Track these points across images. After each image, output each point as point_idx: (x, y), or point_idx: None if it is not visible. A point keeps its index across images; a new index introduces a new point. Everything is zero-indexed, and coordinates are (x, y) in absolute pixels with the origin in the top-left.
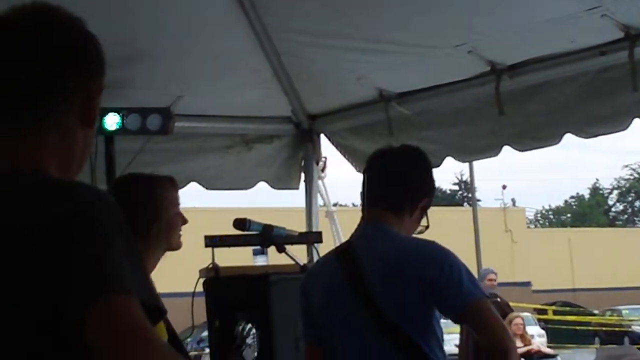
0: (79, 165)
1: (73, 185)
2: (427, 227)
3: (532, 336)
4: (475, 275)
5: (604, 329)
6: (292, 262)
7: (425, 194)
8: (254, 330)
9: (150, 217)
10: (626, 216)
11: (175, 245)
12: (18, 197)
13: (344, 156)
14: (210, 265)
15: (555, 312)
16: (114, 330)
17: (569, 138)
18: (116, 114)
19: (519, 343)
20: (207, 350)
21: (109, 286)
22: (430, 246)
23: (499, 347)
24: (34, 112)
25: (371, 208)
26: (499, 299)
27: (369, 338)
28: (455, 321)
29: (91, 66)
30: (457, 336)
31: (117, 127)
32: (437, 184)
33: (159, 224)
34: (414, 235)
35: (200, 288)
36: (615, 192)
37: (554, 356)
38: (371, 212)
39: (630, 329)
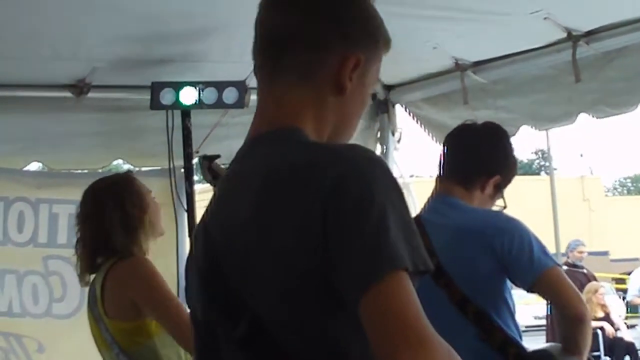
0: (338, 132)
1: (340, 148)
2: (504, 207)
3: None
4: (563, 246)
5: None
6: None
7: (497, 171)
8: None
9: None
10: None
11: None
12: (287, 157)
13: (420, 126)
14: None
15: None
16: (384, 313)
17: None
18: (193, 87)
19: (600, 312)
20: None
21: (382, 267)
22: (499, 216)
23: (574, 314)
24: (294, 68)
25: (443, 180)
26: (585, 271)
27: (440, 310)
28: (528, 290)
29: (356, 34)
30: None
31: (194, 101)
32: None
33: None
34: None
35: None
36: None
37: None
38: (442, 185)
39: None
